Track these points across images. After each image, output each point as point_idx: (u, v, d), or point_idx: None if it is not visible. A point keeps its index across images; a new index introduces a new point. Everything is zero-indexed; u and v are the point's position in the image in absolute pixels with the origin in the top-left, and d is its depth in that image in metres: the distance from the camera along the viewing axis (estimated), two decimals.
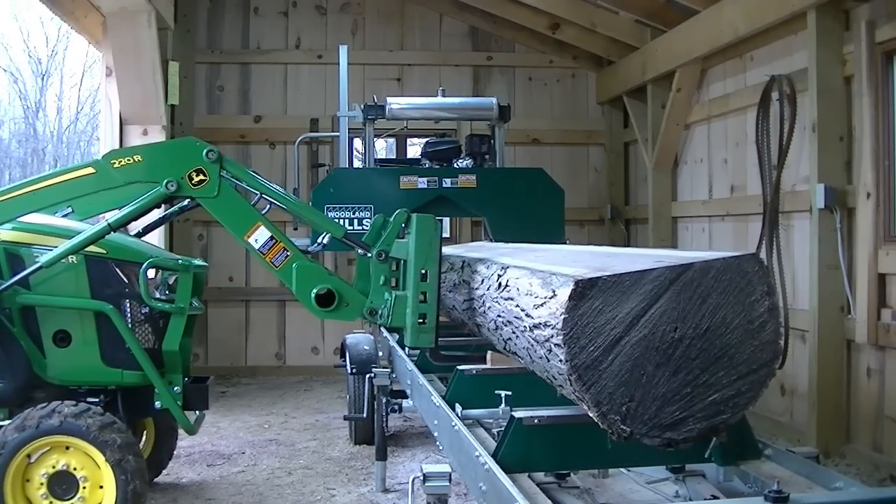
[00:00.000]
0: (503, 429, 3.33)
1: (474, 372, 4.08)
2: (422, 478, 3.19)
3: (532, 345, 2.97)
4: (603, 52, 8.87)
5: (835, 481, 2.95)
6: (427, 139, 7.48)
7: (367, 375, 5.44)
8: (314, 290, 3.88)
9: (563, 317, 2.60)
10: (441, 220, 3.75)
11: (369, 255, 3.99)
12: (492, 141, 7.03)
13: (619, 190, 9.37)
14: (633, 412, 2.62)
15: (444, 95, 7.15)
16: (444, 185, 6.53)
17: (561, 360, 2.64)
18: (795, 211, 5.93)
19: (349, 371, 5.82)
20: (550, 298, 2.77)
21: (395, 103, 6.83)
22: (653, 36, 7.93)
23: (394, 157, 9.19)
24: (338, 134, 7.20)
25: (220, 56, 9.20)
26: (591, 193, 9.53)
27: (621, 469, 3.92)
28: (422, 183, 6.49)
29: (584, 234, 9.44)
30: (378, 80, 9.11)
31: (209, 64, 9.16)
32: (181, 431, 4.77)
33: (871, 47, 5.15)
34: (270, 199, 4.07)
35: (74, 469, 3.87)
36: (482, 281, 3.64)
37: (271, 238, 3.95)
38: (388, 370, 5.10)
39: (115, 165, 4.07)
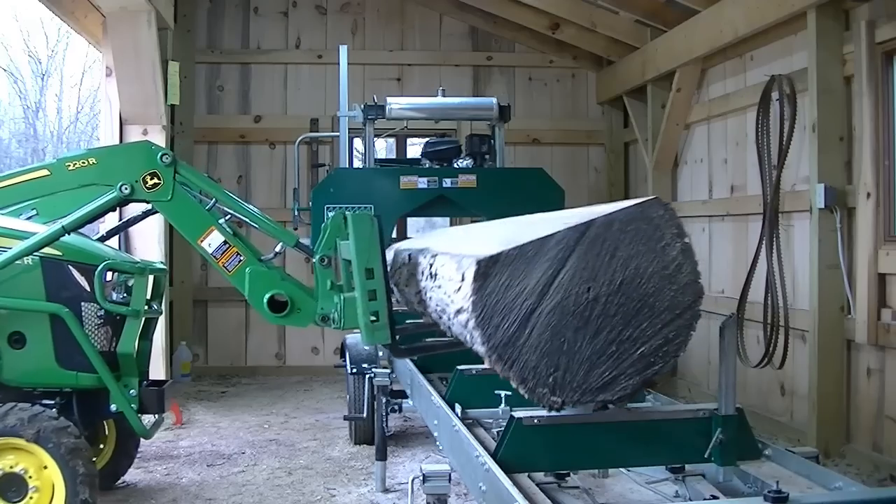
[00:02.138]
0: (503, 429, 3.33)
1: (474, 372, 4.08)
2: (422, 478, 3.19)
3: (461, 331, 2.90)
4: (603, 52, 8.87)
5: (835, 481, 2.96)
6: (427, 139, 7.48)
7: (367, 375, 5.44)
8: (266, 296, 3.86)
9: (471, 299, 2.54)
10: (378, 217, 3.71)
11: (314, 260, 3.98)
12: (492, 141, 7.02)
13: (619, 190, 9.37)
14: (561, 381, 2.56)
15: (444, 95, 7.14)
16: (444, 185, 6.52)
17: (479, 343, 2.58)
18: (795, 211, 5.93)
19: (349, 371, 5.81)
20: (461, 282, 2.71)
21: (395, 103, 6.83)
22: (653, 36, 7.93)
23: (394, 157, 9.19)
24: (338, 134, 7.19)
25: (220, 56, 9.21)
26: (591, 193, 9.53)
27: (621, 469, 3.92)
28: (422, 183, 6.48)
29: None
30: (378, 80, 9.11)
31: (209, 64, 9.16)
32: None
33: (871, 47, 5.15)
34: (224, 204, 4.05)
35: (24, 472, 3.85)
36: (422, 272, 3.62)
37: (224, 243, 3.94)
38: (388, 370, 5.10)
39: (70, 168, 4.06)
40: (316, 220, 6.44)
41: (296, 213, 7.63)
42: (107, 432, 4.90)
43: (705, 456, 3.30)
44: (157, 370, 6.85)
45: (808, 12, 5.51)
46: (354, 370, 5.71)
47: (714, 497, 3.25)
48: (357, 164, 8.52)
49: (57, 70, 29.68)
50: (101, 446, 4.87)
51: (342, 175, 6.70)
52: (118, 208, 4.46)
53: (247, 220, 4.05)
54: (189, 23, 8.98)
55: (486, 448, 3.21)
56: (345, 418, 6.16)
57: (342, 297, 3.77)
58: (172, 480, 5.22)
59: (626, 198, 9.25)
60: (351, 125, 6.99)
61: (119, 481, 5.01)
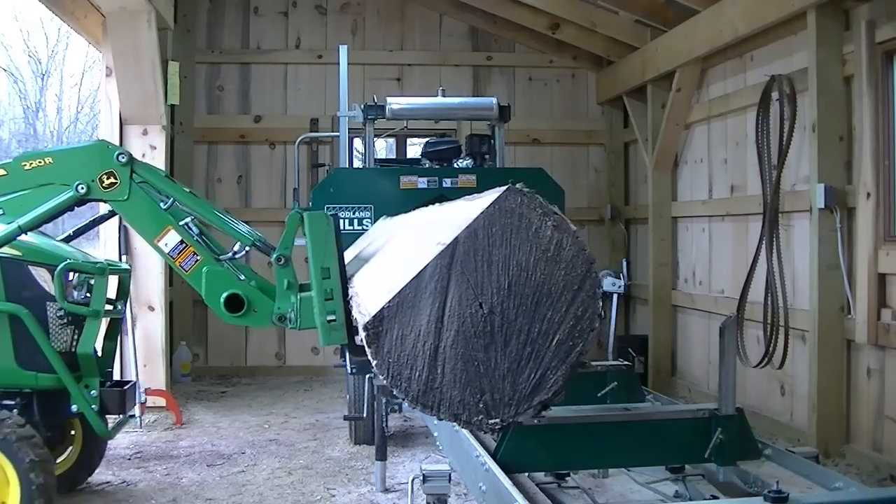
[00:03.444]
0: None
1: None
2: (422, 478, 3.19)
3: None
4: (603, 52, 8.87)
5: (834, 481, 2.96)
6: (427, 139, 7.48)
7: (367, 375, 5.44)
8: (223, 296, 3.85)
9: (375, 363, 2.52)
10: (336, 216, 3.69)
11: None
12: (492, 141, 7.02)
13: (619, 190, 9.38)
14: (492, 402, 2.52)
15: (444, 95, 7.14)
16: (444, 185, 6.52)
17: (402, 397, 2.55)
18: (795, 211, 5.93)
19: (349, 371, 5.81)
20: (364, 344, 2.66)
21: (395, 103, 6.82)
22: (653, 36, 7.93)
23: (394, 157, 9.19)
24: (338, 134, 7.19)
25: (220, 56, 9.21)
26: (591, 193, 9.54)
27: (621, 469, 3.93)
28: (422, 183, 6.47)
29: (584, 234, 9.41)
30: (378, 80, 9.11)
31: (209, 64, 9.16)
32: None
33: (871, 47, 5.15)
34: (183, 204, 4.03)
35: None
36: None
37: (181, 242, 3.91)
38: None
39: (26, 167, 4.02)
40: None
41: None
42: (73, 433, 4.90)
43: (705, 456, 3.31)
44: (158, 370, 6.86)
45: (808, 12, 5.50)
46: (354, 370, 5.71)
47: (714, 497, 3.25)
48: (357, 164, 8.52)
49: (57, 70, 29.68)
50: (69, 447, 4.87)
51: (342, 175, 6.69)
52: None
53: (206, 219, 4.02)
54: (189, 23, 8.99)
55: (486, 448, 3.22)
56: (345, 418, 6.16)
57: (299, 297, 3.75)
58: (172, 480, 5.22)
59: (626, 198, 9.27)
60: (351, 125, 6.99)
61: (86, 482, 5.01)
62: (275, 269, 3.77)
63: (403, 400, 2.55)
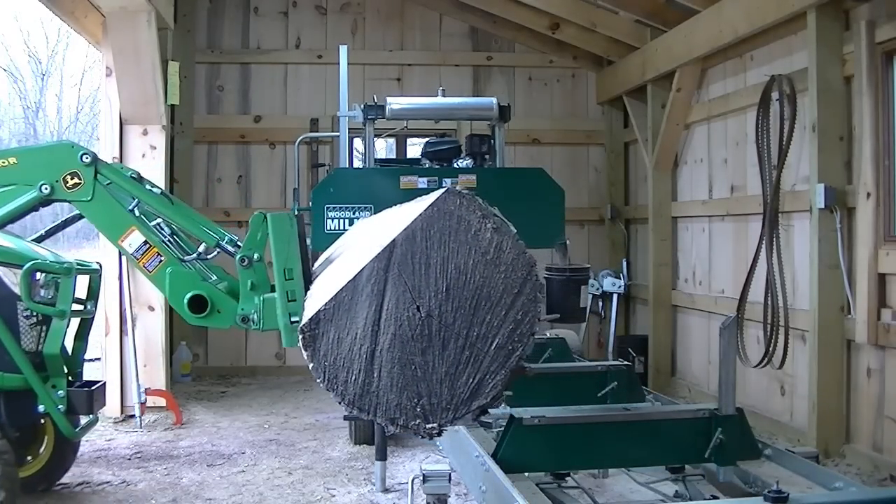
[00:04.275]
0: (503, 429, 3.33)
1: None
2: (422, 478, 3.19)
3: None
4: (603, 52, 8.87)
5: (834, 481, 2.96)
6: (427, 139, 7.47)
7: None
8: (186, 297, 3.85)
9: (311, 366, 2.51)
10: (299, 217, 3.68)
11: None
12: (492, 141, 7.02)
13: (619, 190, 9.37)
14: (429, 406, 2.51)
15: (444, 95, 7.14)
16: (444, 185, 6.51)
17: (339, 402, 2.53)
18: (795, 211, 5.93)
19: None
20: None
21: (395, 103, 6.82)
22: (653, 36, 7.93)
23: (394, 157, 9.18)
24: (338, 134, 7.19)
25: (220, 56, 9.20)
26: (591, 193, 9.53)
27: (621, 469, 3.93)
28: (422, 183, 6.47)
29: (584, 234, 9.44)
30: (378, 80, 9.11)
31: (209, 64, 9.16)
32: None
33: (871, 47, 5.15)
34: (147, 204, 4.02)
35: None
36: None
37: (145, 243, 3.90)
38: None
39: None
40: (316, 220, 6.44)
41: (296, 213, 7.62)
42: (45, 432, 4.87)
43: (705, 456, 3.31)
44: (158, 370, 6.86)
45: (808, 12, 5.50)
46: None
47: (714, 497, 3.25)
48: (357, 164, 8.52)
49: (57, 70, 29.72)
50: (41, 447, 4.85)
51: (342, 175, 6.69)
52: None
53: (169, 219, 4.02)
54: (189, 23, 8.98)
55: (486, 448, 3.22)
56: (345, 418, 6.15)
57: (262, 299, 3.75)
58: (172, 480, 5.22)
59: (626, 198, 9.27)
60: (351, 125, 6.99)
61: (59, 482, 4.99)
62: (239, 271, 3.76)
63: (340, 403, 2.53)
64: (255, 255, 3.68)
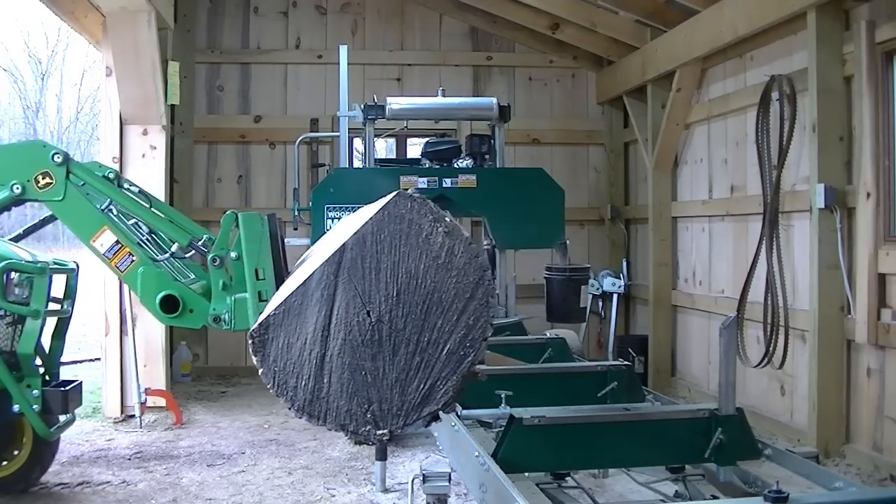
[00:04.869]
0: (503, 429, 3.33)
1: None
2: (422, 478, 3.19)
3: None
4: (603, 52, 8.87)
5: (834, 481, 2.96)
6: (427, 139, 7.48)
7: None
8: (158, 297, 3.83)
9: (261, 371, 2.50)
10: (271, 217, 3.67)
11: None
12: (492, 141, 7.03)
13: (619, 190, 9.37)
14: (380, 413, 2.49)
15: (444, 95, 7.15)
16: (444, 185, 6.53)
17: (289, 408, 2.52)
18: (795, 211, 5.93)
19: None
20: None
21: (395, 103, 6.83)
22: (653, 36, 7.93)
23: (394, 157, 9.19)
24: (338, 134, 7.20)
25: (220, 56, 9.20)
26: (591, 193, 9.53)
27: (621, 469, 3.93)
28: (422, 183, 6.48)
29: (584, 234, 9.44)
30: (378, 80, 9.11)
31: (209, 64, 9.15)
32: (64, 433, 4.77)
33: (871, 47, 5.15)
34: (120, 204, 4.02)
35: None
36: None
37: (117, 242, 3.90)
38: None
39: None
40: (316, 220, 6.45)
41: (296, 213, 7.63)
42: (23, 432, 4.84)
43: (705, 456, 3.31)
44: (158, 370, 6.86)
45: (808, 12, 5.50)
46: None
47: (714, 497, 3.25)
48: (357, 164, 8.53)
49: (57, 70, 29.72)
50: (19, 447, 4.83)
51: (342, 175, 6.70)
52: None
53: (142, 219, 4.01)
54: (189, 23, 8.98)
55: (486, 448, 3.22)
56: None
57: (233, 299, 3.74)
58: (172, 480, 5.22)
59: (626, 198, 9.27)
60: (351, 125, 7.00)
61: (38, 482, 4.97)
62: (211, 271, 3.75)
63: (289, 409, 2.52)
64: (234, 255, 3.68)
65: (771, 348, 5.95)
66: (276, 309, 2.47)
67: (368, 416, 2.48)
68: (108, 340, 6.76)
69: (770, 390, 6.30)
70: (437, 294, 2.45)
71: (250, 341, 2.48)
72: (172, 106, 7.82)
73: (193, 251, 3.87)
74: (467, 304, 2.46)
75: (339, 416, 2.48)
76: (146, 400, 6.56)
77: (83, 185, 3.94)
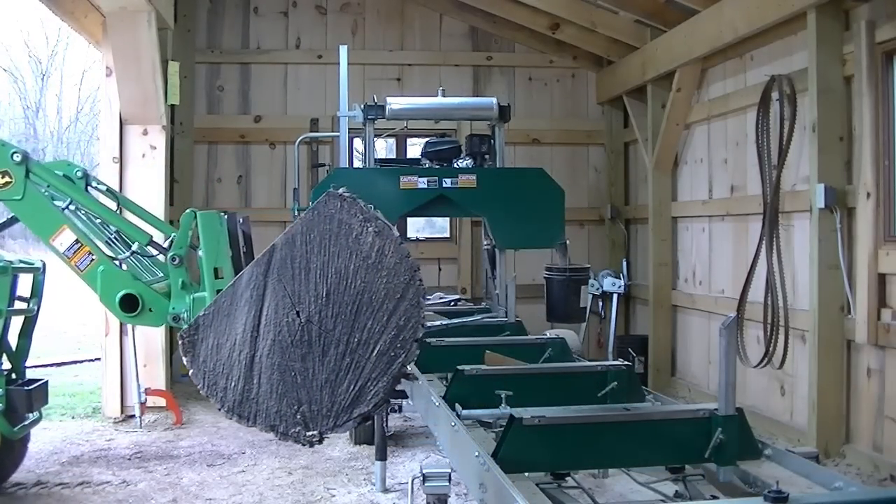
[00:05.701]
0: (503, 429, 3.33)
1: (474, 372, 4.08)
2: (422, 478, 3.19)
3: None
4: (603, 52, 8.87)
5: (834, 481, 2.96)
6: (427, 139, 7.47)
7: None
8: (118, 296, 3.84)
9: (192, 372, 2.50)
10: (230, 215, 3.66)
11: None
12: (492, 141, 7.02)
13: (619, 190, 9.38)
14: (310, 414, 2.47)
15: (444, 95, 7.14)
16: (444, 185, 6.51)
17: (219, 409, 2.52)
18: (795, 211, 5.93)
19: None
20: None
21: (395, 103, 6.82)
22: (653, 36, 7.93)
23: (394, 157, 9.19)
24: (338, 134, 7.18)
25: (220, 56, 9.20)
26: (591, 193, 9.54)
27: (621, 469, 3.92)
28: (422, 183, 6.47)
29: (584, 234, 9.45)
30: (378, 80, 9.11)
31: (209, 64, 9.16)
32: (33, 431, 4.78)
33: (871, 47, 5.15)
34: (80, 204, 4.01)
35: None
36: None
37: (76, 242, 3.88)
38: None
39: None
40: None
41: (295, 213, 7.63)
42: None
43: (705, 456, 3.30)
44: (158, 370, 6.86)
45: (808, 12, 5.51)
46: None
47: (714, 497, 3.25)
48: (357, 164, 8.52)
49: (57, 70, 29.72)
50: None
51: (342, 175, 6.68)
52: None
53: (102, 217, 4.01)
54: (189, 23, 8.98)
55: (486, 448, 3.21)
56: None
57: (192, 297, 3.75)
58: (172, 480, 5.22)
59: (626, 198, 9.27)
60: (351, 125, 6.99)
61: (7, 481, 4.97)
62: (170, 270, 3.76)
63: (220, 410, 2.50)
64: (201, 253, 3.68)
65: (771, 348, 5.95)
66: (206, 310, 2.49)
67: (298, 417, 2.47)
68: (108, 340, 6.76)
69: (770, 390, 6.30)
70: (367, 294, 2.43)
71: (180, 342, 2.49)
72: (172, 106, 7.82)
73: (157, 251, 3.88)
74: (398, 304, 2.44)
75: (268, 417, 2.47)
76: (146, 400, 6.56)
77: (45, 184, 3.93)
